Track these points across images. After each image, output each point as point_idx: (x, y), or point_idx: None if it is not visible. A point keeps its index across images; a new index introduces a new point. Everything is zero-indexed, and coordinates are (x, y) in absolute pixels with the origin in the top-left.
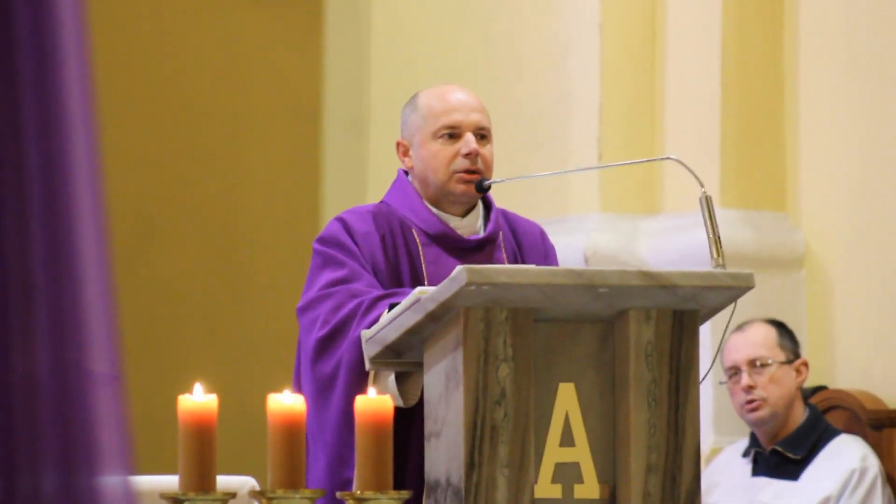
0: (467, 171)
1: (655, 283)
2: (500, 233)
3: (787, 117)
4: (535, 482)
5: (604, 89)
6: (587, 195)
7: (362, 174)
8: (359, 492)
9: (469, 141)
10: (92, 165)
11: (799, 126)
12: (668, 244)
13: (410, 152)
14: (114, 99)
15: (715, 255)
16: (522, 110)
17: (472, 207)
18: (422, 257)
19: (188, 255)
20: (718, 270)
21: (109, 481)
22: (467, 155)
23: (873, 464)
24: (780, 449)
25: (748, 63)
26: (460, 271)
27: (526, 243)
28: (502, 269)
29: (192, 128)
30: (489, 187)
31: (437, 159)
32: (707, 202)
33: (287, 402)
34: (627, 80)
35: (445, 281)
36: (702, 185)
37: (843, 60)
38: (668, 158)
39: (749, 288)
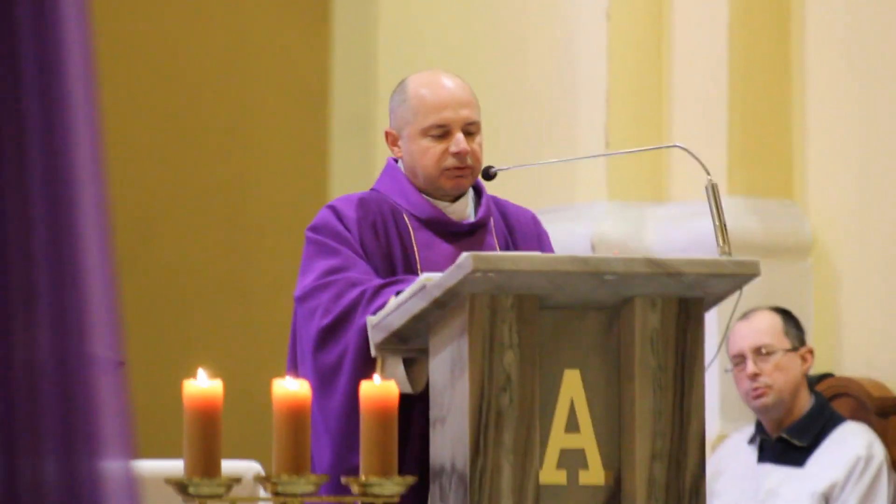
0: (457, 168)
1: (661, 271)
2: (492, 218)
3: (794, 105)
4: (540, 468)
5: (611, 77)
6: (594, 183)
7: (369, 162)
8: (364, 477)
9: (459, 141)
10: (95, 152)
11: (806, 114)
12: (675, 232)
13: (399, 143)
14: (121, 85)
15: (721, 243)
16: (530, 98)
17: (463, 193)
18: (413, 242)
19: (194, 241)
20: (724, 258)
21: (111, 466)
22: (457, 154)
23: (879, 451)
24: (785, 436)
25: (755, 51)
26: (466, 258)
27: (518, 228)
28: (508, 256)
29: (199, 114)
30: (495, 175)
31: (426, 156)
32: (713, 190)
33: (292, 388)
34: (634, 68)
35: (451, 268)
36: (708, 173)
37: (850, 49)
38: (675, 146)
39: (754, 275)
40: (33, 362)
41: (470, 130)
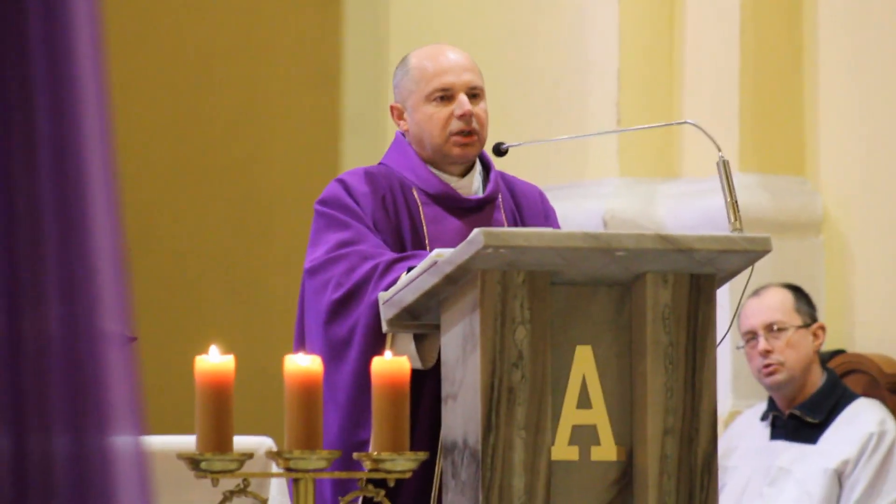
0: (462, 133)
1: (673, 247)
2: (500, 194)
3: (805, 81)
4: (553, 444)
5: (622, 54)
6: (606, 160)
7: (381, 139)
8: (376, 453)
9: (463, 102)
10: (104, 128)
11: (818, 90)
12: (686, 209)
13: (405, 115)
14: (134, 65)
15: (732, 220)
16: (541, 75)
17: (471, 168)
18: (422, 216)
19: (206, 219)
20: (735, 234)
21: (121, 442)
22: (461, 116)
23: (891, 427)
24: (797, 413)
25: (766, 27)
26: (477, 234)
27: (525, 204)
28: (519, 233)
29: (210, 94)
30: (507, 151)
31: (431, 122)
32: (724, 166)
33: (304, 364)
34: (646, 45)
35: (462, 244)
36: (719, 150)
37: (861, 25)
38: (686, 123)
39: (766, 252)
40: (43, 337)
41: (474, 93)
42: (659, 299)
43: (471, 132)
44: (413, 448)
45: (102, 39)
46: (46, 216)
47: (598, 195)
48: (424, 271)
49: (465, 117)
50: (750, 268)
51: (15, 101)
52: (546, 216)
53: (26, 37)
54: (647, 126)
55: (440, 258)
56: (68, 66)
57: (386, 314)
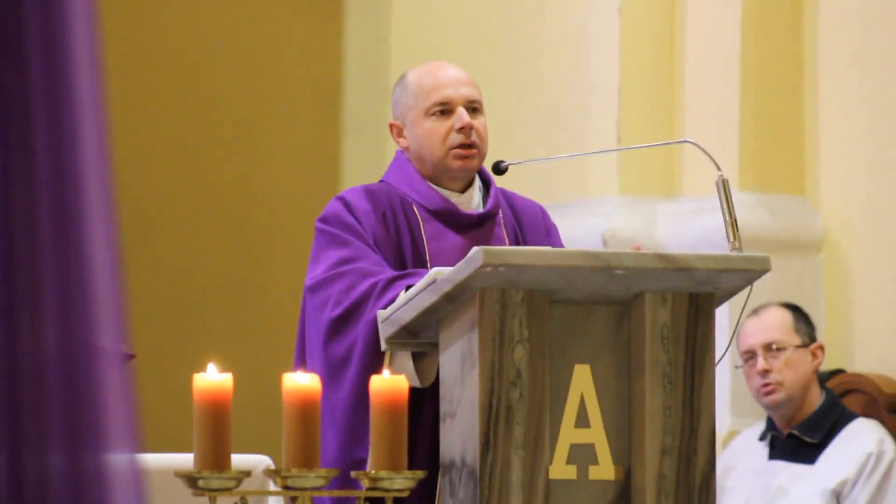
0: (462, 146)
1: (671, 266)
2: (500, 209)
3: (805, 100)
4: (550, 463)
5: (623, 72)
6: (606, 178)
7: (381, 156)
8: (374, 472)
9: (462, 115)
10: (101, 146)
11: (818, 109)
12: (686, 227)
13: (405, 132)
14: (134, 80)
15: (731, 239)
16: (542, 93)
17: (471, 184)
18: (423, 233)
19: (206, 236)
20: (734, 253)
21: (117, 460)
22: (461, 129)
23: (890, 448)
24: (796, 433)
25: (768, 46)
26: (476, 253)
27: (526, 220)
28: (518, 251)
29: (210, 110)
30: (506, 169)
31: (431, 136)
32: (723, 185)
33: (302, 382)
34: (647, 64)
35: (461, 262)
36: (718, 169)
37: (862, 44)
38: (685, 142)
39: (765, 271)
40: (39, 355)
41: (473, 107)
42: (658, 318)
43: (471, 145)
44: (414, 467)
45: (100, 53)
46: (43, 233)
47: (598, 213)
48: (423, 289)
49: (465, 130)
50: (749, 287)
51: (13, 118)
52: (548, 232)
53: (24, 53)
54: (646, 145)
55: (439, 276)
56: (66, 81)
57: (384, 332)
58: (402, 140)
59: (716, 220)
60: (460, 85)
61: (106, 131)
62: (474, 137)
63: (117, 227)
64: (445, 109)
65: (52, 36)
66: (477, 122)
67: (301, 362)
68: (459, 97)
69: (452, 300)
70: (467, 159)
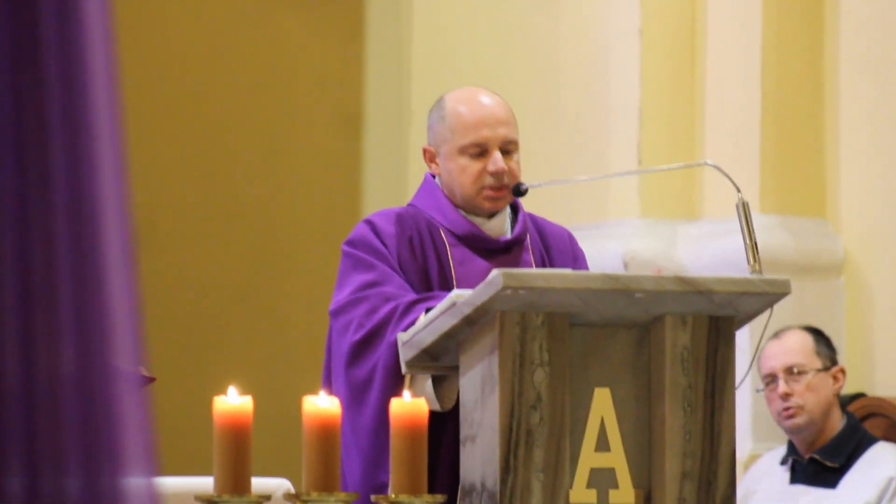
0: (494, 188)
1: (691, 289)
2: (528, 235)
3: (826, 123)
4: (571, 487)
5: (644, 94)
6: (626, 200)
7: (402, 178)
8: (393, 495)
9: (497, 159)
10: (117, 165)
11: (839, 132)
12: (707, 250)
13: (437, 160)
14: (155, 102)
15: (751, 261)
16: (562, 115)
17: (499, 211)
18: (450, 258)
19: (228, 258)
20: (755, 276)
21: (133, 482)
22: (494, 173)
23: None
24: (817, 457)
25: (788, 68)
26: (496, 275)
27: (554, 246)
28: (538, 274)
29: (233, 133)
30: (526, 191)
31: (464, 175)
32: (744, 208)
33: (322, 405)
34: (667, 86)
35: (481, 285)
36: (738, 191)
37: (882, 66)
38: (705, 164)
39: (785, 294)
40: (55, 377)
41: (508, 149)
42: (678, 341)
43: (502, 187)
44: (435, 490)
45: (117, 79)
46: (60, 254)
47: (618, 235)
48: (443, 312)
49: (498, 174)
50: (769, 310)
51: (30, 139)
52: (575, 258)
53: (40, 74)
54: (667, 167)
55: (459, 299)
56: (84, 107)
57: (405, 355)
58: (434, 166)
59: (737, 243)
60: (498, 125)
61: (123, 149)
62: (506, 180)
63: (134, 248)
64: (481, 151)
65: (69, 67)
66: (511, 162)
67: (328, 386)
68: (496, 138)
69: (472, 323)
70: (497, 200)
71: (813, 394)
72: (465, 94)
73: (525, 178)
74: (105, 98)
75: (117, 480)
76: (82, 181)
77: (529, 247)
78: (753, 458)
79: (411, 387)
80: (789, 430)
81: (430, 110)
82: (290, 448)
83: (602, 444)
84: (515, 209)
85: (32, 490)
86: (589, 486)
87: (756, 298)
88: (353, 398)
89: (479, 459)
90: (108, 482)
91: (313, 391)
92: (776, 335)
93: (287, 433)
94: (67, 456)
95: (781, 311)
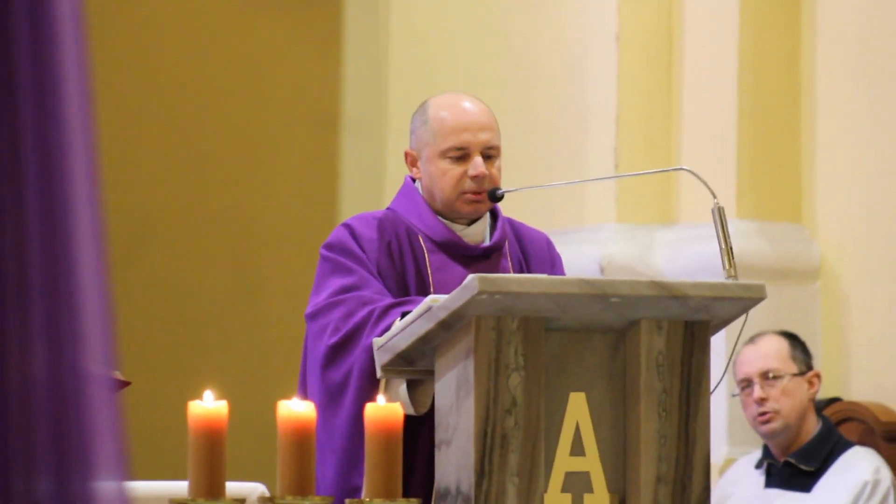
0: (474, 192)
1: (667, 294)
2: (507, 241)
3: (803, 128)
4: (545, 491)
5: (620, 99)
6: (603, 205)
7: (380, 181)
8: (368, 499)
9: (477, 164)
10: (89, 168)
11: (815, 137)
12: (683, 255)
13: (419, 163)
14: (133, 104)
15: (727, 266)
16: (539, 120)
17: (478, 217)
18: (428, 264)
19: (204, 262)
20: (730, 281)
21: (104, 486)
22: (475, 177)
23: (886, 476)
24: (792, 461)
25: (765, 74)
26: (472, 280)
27: (532, 252)
28: (514, 279)
29: (210, 135)
30: (502, 196)
31: (444, 178)
32: (719, 213)
33: (297, 409)
34: (644, 91)
35: (457, 290)
36: (714, 196)
37: (859, 72)
38: (681, 169)
39: (760, 299)
40: (27, 380)
41: (489, 154)
42: (653, 346)
43: (482, 191)
44: (410, 494)
45: (90, 81)
46: (32, 257)
47: (595, 240)
48: (419, 317)
49: (479, 179)
50: (745, 315)
51: (0, 139)
52: (553, 263)
53: (12, 75)
54: (643, 172)
55: (434, 304)
56: (55, 102)
57: (380, 359)
58: (415, 170)
59: (713, 248)
60: (479, 130)
61: (96, 151)
62: (487, 185)
63: (107, 251)
64: (462, 155)
65: (42, 69)
66: (492, 168)
67: (303, 389)
68: (478, 143)
69: (448, 327)
70: (477, 204)
71: (788, 398)
72: (448, 100)
73: (502, 183)
74: (77, 99)
75: (88, 484)
76: (54, 183)
77: (508, 253)
78: (729, 463)
79: (386, 391)
80: (765, 435)
81: (414, 114)
82: (265, 452)
83: (577, 449)
84: (495, 216)
85: (4, 493)
86: (564, 490)
87: (731, 303)
88: (329, 401)
89: (453, 464)
90: (79, 486)
91: (288, 395)
92: (752, 340)
93: (262, 437)
94: (38, 459)
95: (757, 316)
